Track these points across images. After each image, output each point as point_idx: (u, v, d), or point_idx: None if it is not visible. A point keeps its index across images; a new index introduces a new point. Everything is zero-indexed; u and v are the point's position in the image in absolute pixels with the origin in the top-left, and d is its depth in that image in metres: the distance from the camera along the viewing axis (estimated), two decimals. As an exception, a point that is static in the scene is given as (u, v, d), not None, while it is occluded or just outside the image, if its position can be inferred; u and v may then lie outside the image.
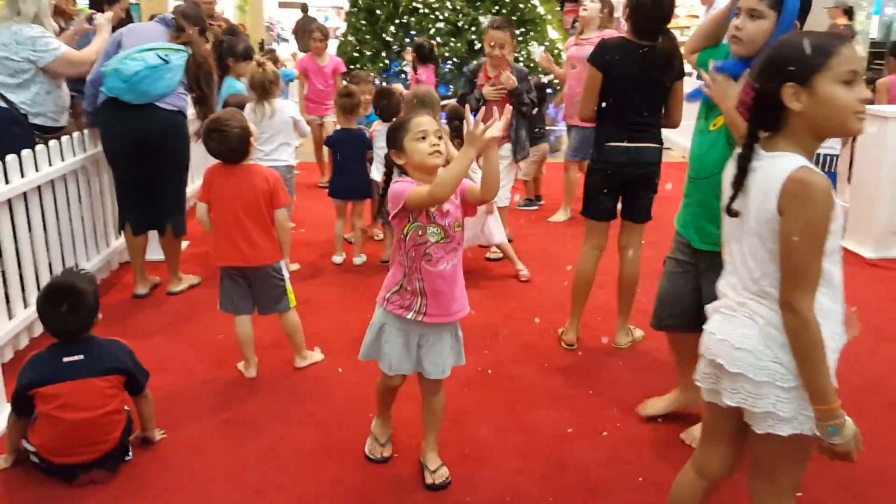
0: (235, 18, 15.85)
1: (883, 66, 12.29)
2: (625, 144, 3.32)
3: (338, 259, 4.97)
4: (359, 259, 4.95)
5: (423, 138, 2.37)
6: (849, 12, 9.72)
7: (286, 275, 3.35)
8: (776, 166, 1.69)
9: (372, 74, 6.63)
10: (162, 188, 4.19)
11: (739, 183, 1.77)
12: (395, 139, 2.42)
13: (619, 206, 3.56)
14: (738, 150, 1.82)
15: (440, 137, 2.40)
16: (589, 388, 3.32)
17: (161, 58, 3.98)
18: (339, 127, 5.02)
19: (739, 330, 1.79)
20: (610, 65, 3.27)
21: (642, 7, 3.18)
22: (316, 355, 3.55)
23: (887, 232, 5.13)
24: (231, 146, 3.13)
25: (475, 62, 5.02)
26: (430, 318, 2.44)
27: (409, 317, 2.44)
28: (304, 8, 15.43)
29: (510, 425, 3.02)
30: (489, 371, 3.46)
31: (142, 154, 4.07)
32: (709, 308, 1.95)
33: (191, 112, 4.25)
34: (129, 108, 3.98)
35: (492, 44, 4.55)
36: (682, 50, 3.00)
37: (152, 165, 4.11)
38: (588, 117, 3.42)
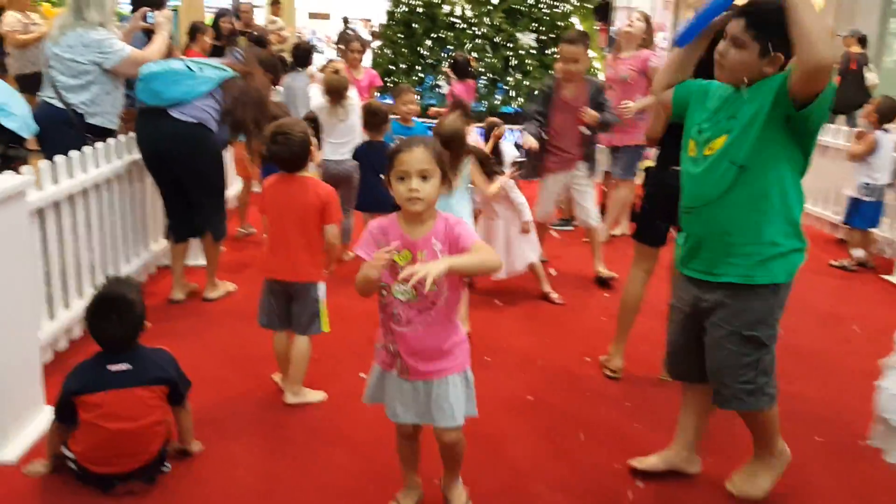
0: (266, 18, 15.95)
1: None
2: None
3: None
4: None
5: (402, 178, 2.14)
6: (862, 41, 9.63)
7: (322, 297, 3.22)
8: None
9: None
10: (195, 197, 4.18)
11: None
12: (386, 170, 2.21)
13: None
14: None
15: (425, 178, 2.13)
16: (635, 420, 3.24)
17: (188, 66, 4.00)
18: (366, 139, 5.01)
19: None
20: None
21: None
22: (312, 395, 3.28)
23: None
24: (294, 150, 3.08)
25: (547, 81, 4.90)
26: (415, 375, 2.26)
27: (393, 373, 2.31)
28: (346, 20, 15.51)
29: (550, 456, 2.95)
30: (528, 397, 3.40)
31: (161, 164, 4.10)
32: (885, 363, 1.88)
33: None
34: (146, 116, 4.00)
35: (566, 58, 4.51)
36: (653, 86, 2.86)
37: (176, 176, 4.11)
38: (656, 138, 3.30)
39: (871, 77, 7.38)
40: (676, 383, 3.42)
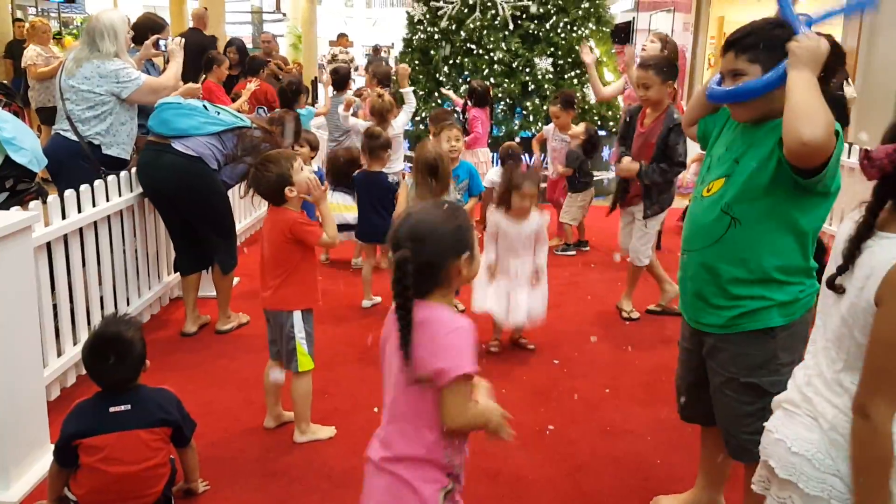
0: (289, 56, 16.14)
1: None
2: None
3: (367, 303, 4.85)
4: (368, 302, 4.84)
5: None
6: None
7: (300, 333, 3.06)
8: (886, 250, 1.46)
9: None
10: (200, 230, 4.15)
11: (851, 256, 1.53)
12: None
13: None
14: (856, 216, 1.57)
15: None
16: (658, 455, 3.11)
17: (206, 107, 4.02)
18: (364, 167, 5.01)
19: (799, 431, 1.56)
20: None
21: None
22: (322, 432, 3.18)
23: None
24: (261, 189, 3.07)
25: (637, 105, 4.65)
26: None
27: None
28: (377, 49, 15.63)
29: (573, 497, 2.83)
30: (548, 430, 3.28)
31: (160, 196, 4.10)
32: (774, 400, 1.74)
33: None
34: (149, 147, 4.01)
35: (637, 83, 4.38)
36: (682, 123, 2.74)
37: (178, 208, 4.10)
38: None
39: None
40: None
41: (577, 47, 8.04)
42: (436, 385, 1.67)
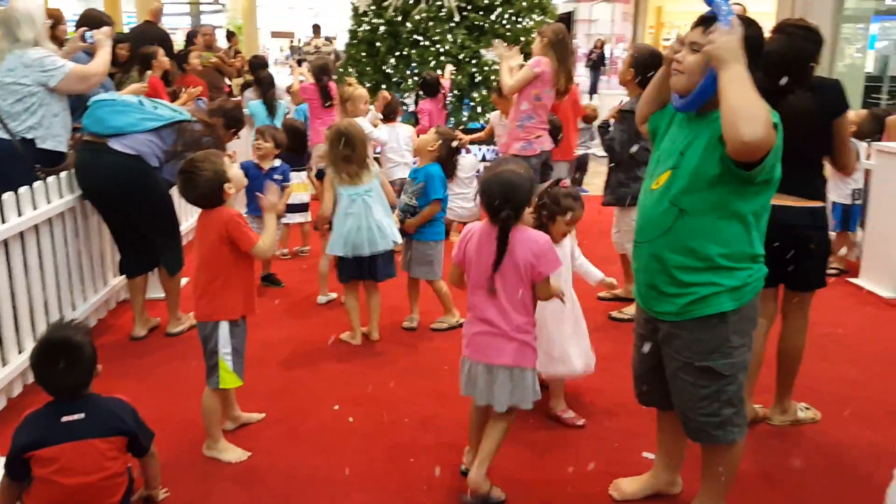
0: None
1: (878, 100, 12.39)
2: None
3: (322, 299, 4.82)
4: (324, 298, 4.81)
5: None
6: None
7: (224, 349, 2.89)
8: None
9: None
10: (143, 231, 4.05)
11: None
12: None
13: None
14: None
15: None
16: (616, 440, 3.15)
17: (142, 102, 3.90)
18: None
19: None
20: None
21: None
22: (229, 453, 2.97)
23: (904, 271, 5.02)
24: (198, 192, 2.85)
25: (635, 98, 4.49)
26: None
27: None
28: (329, 39, 15.49)
29: (537, 481, 2.85)
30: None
31: (101, 198, 3.98)
32: None
33: None
34: (85, 147, 3.89)
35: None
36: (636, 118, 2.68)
37: (119, 209, 3.99)
38: None
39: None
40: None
41: (521, 38, 8.08)
42: (535, 279, 2.62)
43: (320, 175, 5.05)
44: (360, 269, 4.11)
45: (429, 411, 3.38)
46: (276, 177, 4.82)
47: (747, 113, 1.99)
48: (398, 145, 6.01)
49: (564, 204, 3.23)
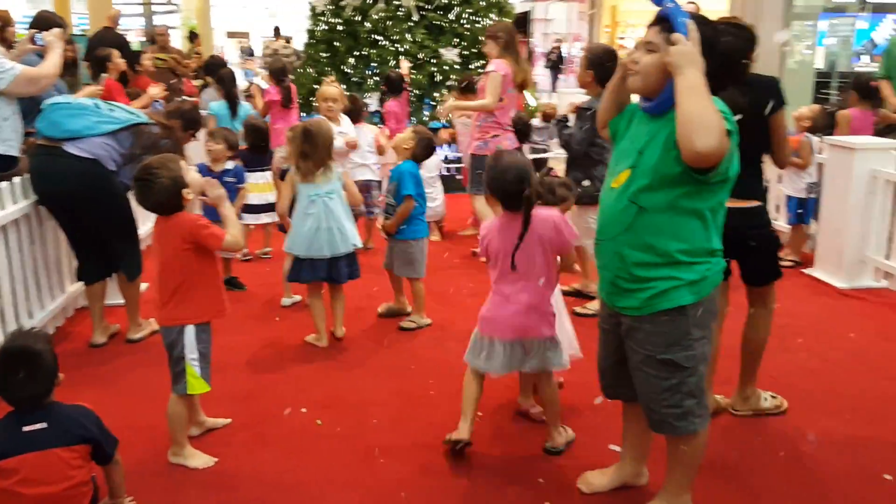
0: (184, 48, 15.60)
1: (828, 96, 12.70)
2: None
3: (287, 301, 4.78)
4: (288, 300, 4.77)
5: None
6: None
7: (191, 354, 2.85)
8: None
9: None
10: (101, 237, 3.96)
11: None
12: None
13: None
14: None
15: None
16: (587, 437, 3.19)
17: (97, 105, 3.82)
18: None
19: None
20: None
21: None
22: (194, 459, 2.94)
23: (856, 261, 5.17)
24: (154, 200, 2.78)
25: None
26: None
27: None
28: (288, 40, 15.35)
29: (505, 471, 2.87)
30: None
31: (57, 203, 3.89)
32: None
33: None
34: (40, 151, 3.80)
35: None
36: (597, 125, 2.72)
37: (76, 215, 3.90)
38: None
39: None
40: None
41: (480, 38, 8.12)
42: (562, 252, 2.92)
43: (284, 176, 5.01)
44: (317, 271, 4.06)
45: (398, 412, 3.37)
46: (228, 179, 4.76)
47: (701, 123, 2.05)
48: (361, 147, 6.00)
49: (560, 193, 3.35)
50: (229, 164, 4.98)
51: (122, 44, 8.34)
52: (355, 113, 5.98)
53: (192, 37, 12.53)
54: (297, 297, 4.76)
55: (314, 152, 3.93)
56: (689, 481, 2.53)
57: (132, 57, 7.49)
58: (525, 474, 2.89)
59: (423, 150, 4.35)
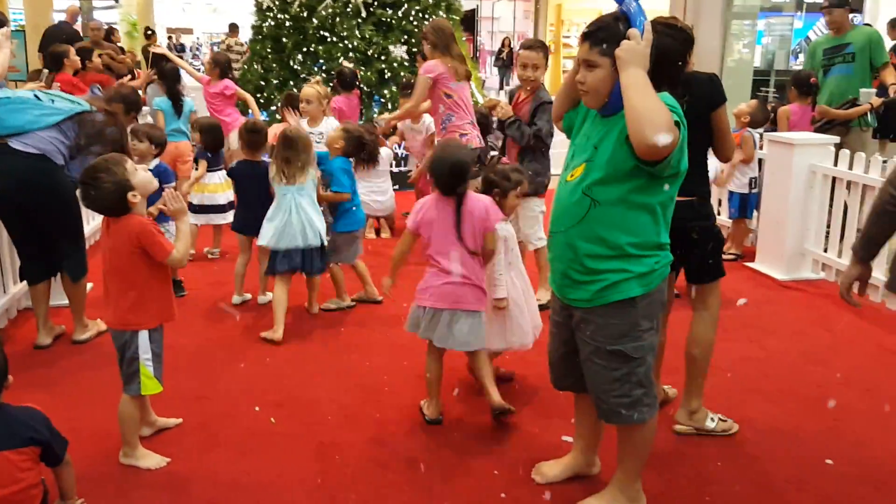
0: (125, 44, 15.24)
1: (766, 93, 13.08)
2: None
3: (237, 299, 4.73)
4: (264, 298, 4.71)
5: None
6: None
7: (145, 355, 2.81)
8: None
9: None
10: (46, 235, 3.85)
11: None
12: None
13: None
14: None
15: None
16: (535, 426, 3.24)
17: (37, 96, 3.71)
18: (242, 159, 4.81)
19: None
20: None
21: None
22: (146, 460, 2.89)
23: (796, 254, 5.35)
24: (99, 205, 2.75)
25: (517, 85, 4.69)
26: None
27: None
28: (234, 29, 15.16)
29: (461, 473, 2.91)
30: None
31: (3, 201, 3.75)
32: None
33: None
34: None
35: (523, 64, 4.39)
36: (552, 116, 2.80)
37: (21, 213, 3.78)
38: None
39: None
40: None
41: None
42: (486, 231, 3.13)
43: (230, 173, 4.95)
44: (292, 261, 4.23)
45: (351, 408, 3.38)
46: None
47: (649, 116, 2.11)
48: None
49: (514, 178, 3.41)
50: (153, 163, 4.89)
51: (78, 40, 8.24)
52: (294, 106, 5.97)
53: (109, 33, 12.20)
54: (248, 296, 4.73)
55: (297, 158, 4.18)
56: (640, 470, 2.60)
57: (84, 54, 7.32)
58: (480, 467, 2.93)
59: (354, 147, 4.54)
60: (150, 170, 4.69)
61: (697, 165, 3.09)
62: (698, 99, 2.96)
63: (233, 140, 6.04)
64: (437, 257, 3.16)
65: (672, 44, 2.85)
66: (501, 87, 18.91)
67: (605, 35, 2.28)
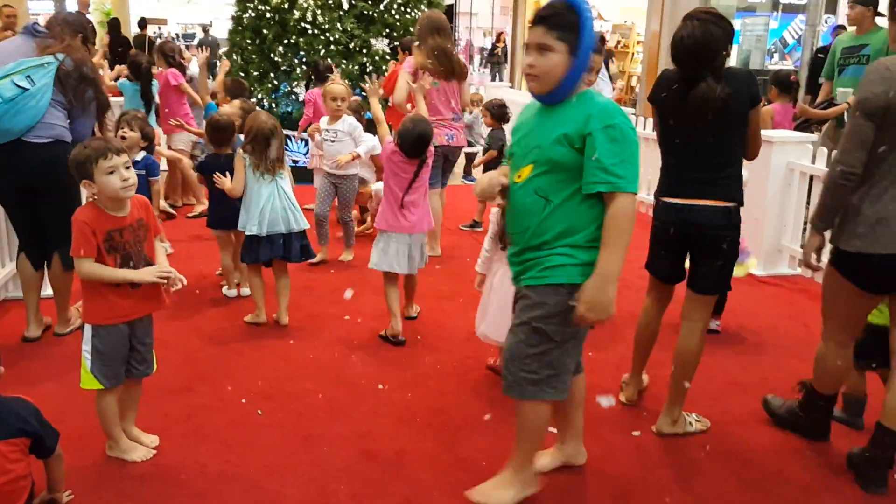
0: (98, 34, 15.01)
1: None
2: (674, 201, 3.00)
3: (231, 293, 4.71)
4: (246, 290, 4.69)
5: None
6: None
7: (86, 346, 2.72)
8: None
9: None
10: (52, 220, 3.78)
11: None
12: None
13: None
14: None
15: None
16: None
17: (18, 85, 3.59)
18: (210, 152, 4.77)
19: None
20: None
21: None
22: (133, 452, 2.88)
23: (773, 250, 5.44)
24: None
25: None
26: None
27: None
28: (206, 28, 14.91)
29: (453, 465, 2.93)
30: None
31: (21, 195, 3.72)
32: None
33: None
34: (1, 153, 3.58)
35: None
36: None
37: (36, 206, 3.74)
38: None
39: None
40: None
41: (410, 28, 8.14)
42: None
43: (199, 168, 4.84)
44: (275, 248, 4.16)
45: (339, 400, 3.38)
46: (137, 171, 4.58)
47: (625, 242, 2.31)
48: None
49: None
50: (140, 155, 4.85)
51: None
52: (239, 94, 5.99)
53: (143, 24, 12.00)
54: (247, 291, 4.70)
55: (281, 150, 4.19)
56: (534, 453, 2.61)
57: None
58: (466, 459, 2.95)
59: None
60: (136, 161, 4.71)
61: (736, 167, 3.01)
62: (739, 94, 2.86)
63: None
64: (404, 196, 3.97)
65: (720, 33, 2.85)
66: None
67: (562, 20, 2.30)
